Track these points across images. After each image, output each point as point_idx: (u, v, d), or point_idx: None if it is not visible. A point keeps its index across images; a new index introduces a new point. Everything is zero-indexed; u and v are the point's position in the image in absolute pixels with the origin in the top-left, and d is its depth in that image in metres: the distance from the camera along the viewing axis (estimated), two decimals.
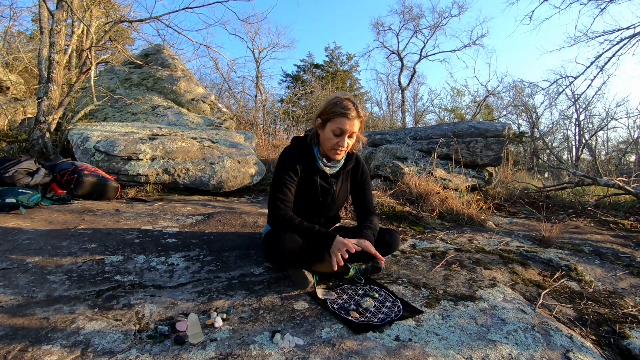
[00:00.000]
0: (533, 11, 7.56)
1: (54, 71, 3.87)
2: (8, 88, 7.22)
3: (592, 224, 3.75)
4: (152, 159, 3.37)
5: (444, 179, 3.82)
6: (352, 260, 1.65)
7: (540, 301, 1.80)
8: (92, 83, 4.04)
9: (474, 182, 4.02)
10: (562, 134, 20.16)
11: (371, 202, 1.86)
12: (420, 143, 4.31)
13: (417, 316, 1.45)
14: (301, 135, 1.80)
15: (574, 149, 18.93)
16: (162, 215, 2.49)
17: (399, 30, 18.69)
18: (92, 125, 3.89)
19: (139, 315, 1.33)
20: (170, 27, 5.12)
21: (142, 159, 3.32)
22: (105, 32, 4.58)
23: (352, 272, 1.80)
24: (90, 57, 4.11)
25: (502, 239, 2.81)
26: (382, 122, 14.14)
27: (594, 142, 18.41)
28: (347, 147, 1.63)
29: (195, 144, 3.70)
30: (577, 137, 18.78)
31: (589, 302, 1.90)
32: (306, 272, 1.65)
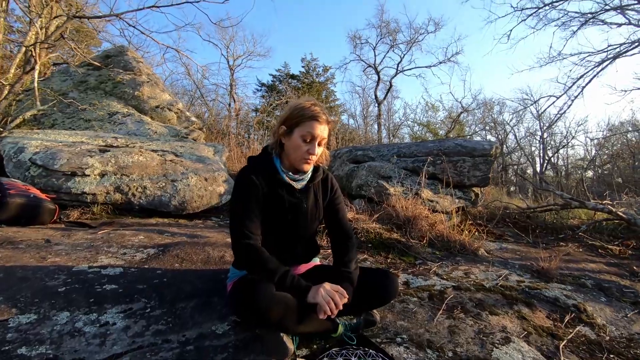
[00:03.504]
0: (511, 30, 7.70)
1: None
2: None
3: (580, 249, 3.61)
4: (102, 174, 2.88)
5: (432, 201, 3.57)
6: (340, 312, 1.30)
7: (561, 359, 1.53)
8: (36, 84, 3.51)
9: (462, 203, 3.80)
10: (526, 150, 21.07)
11: (346, 221, 1.57)
12: (405, 161, 4.05)
13: None
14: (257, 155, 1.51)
15: (537, 166, 19.82)
16: (105, 248, 2.03)
17: (376, 44, 18.84)
18: (32, 133, 3.34)
19: None
20: (135, 27, 4.65)
21: (89, 175, 2.83)
22: (57, 27, 4.05)
23: (340, 328, 1.45)
24: (34, 54, 3.57)
25: (499, 271, 2.56)
26: (357, 135, 14.02)
27: (555, 159, 19.38)
28: (316, 156, 1.38)
29: (156, 157, 3.24)
30: (541, 154, 19.66)
31: (610, 356, 1.65)
32: (284, 336, 1.28)
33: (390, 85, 18.45)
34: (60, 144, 3.09)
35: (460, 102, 15.88)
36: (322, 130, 1.34)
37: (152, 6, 4.44)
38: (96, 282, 1.60)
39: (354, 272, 1.40)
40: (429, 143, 4.43)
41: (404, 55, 18.42)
